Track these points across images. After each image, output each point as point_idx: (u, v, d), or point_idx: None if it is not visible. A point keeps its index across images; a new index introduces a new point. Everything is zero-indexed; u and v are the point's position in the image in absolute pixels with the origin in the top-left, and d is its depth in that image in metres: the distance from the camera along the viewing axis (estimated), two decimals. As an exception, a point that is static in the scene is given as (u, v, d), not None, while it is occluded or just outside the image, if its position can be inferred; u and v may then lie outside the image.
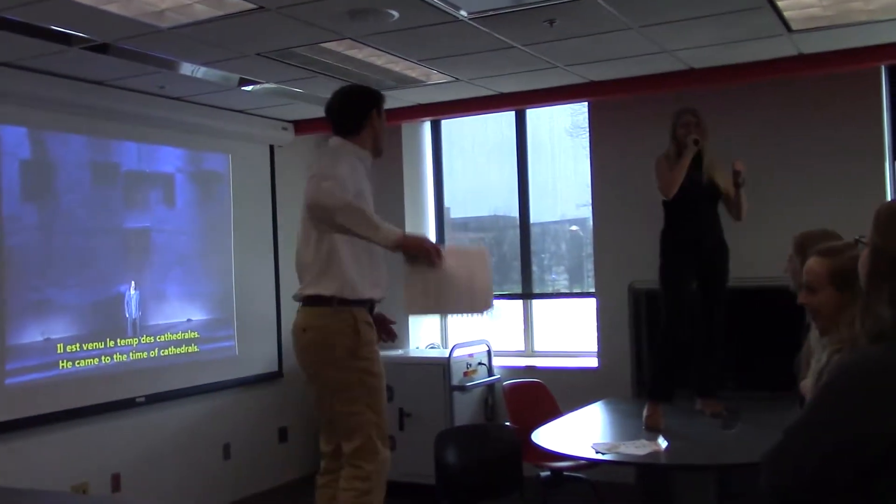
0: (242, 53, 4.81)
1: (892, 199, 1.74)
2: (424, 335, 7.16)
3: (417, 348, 7.01)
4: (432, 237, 7.15)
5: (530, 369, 6.49)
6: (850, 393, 1.69)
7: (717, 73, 5.62)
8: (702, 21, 4.59)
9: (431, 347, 7.04)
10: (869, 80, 5.63)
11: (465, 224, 7.61)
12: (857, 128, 5.64)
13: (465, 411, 6.26)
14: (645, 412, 4.65)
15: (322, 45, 4.71)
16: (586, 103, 6.43)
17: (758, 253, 5.48)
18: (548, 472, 5.18)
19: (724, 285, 5.01)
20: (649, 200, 5.17)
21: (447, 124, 7.27)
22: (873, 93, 5.65)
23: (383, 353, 3.96)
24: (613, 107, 6.21)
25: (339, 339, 3.71)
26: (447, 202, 7.34)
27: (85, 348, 5.35)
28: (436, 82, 5.73)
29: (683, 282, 4.92)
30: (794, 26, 4.73)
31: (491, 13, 4.28)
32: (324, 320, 3.73)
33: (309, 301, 3.79)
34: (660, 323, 5.05)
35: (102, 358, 5.45)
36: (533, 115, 6.91)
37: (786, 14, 4.51)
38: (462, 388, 6.24)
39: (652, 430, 4.44)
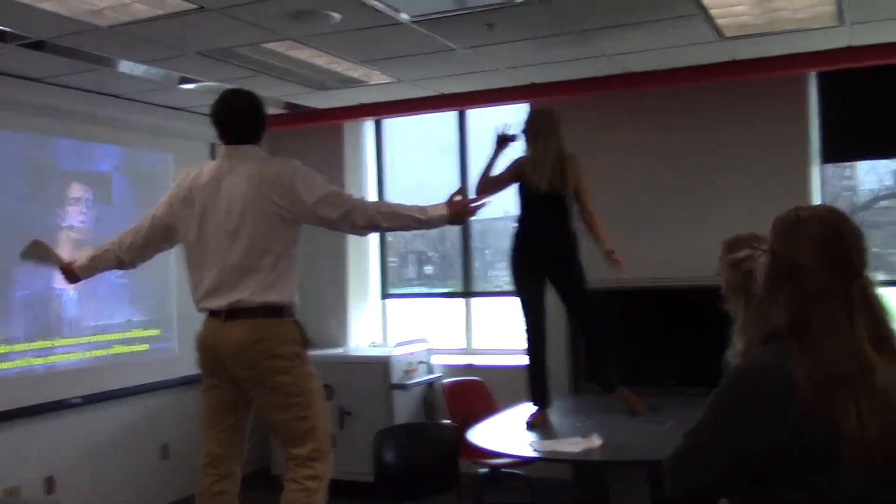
0: (182, 52, 4.79)
1: (789, 209, 1.81)
2: (366, 334, 7.19)
3: (358, 347, 7.03)
4: (376, 235, 7.20)
5: (470, 367, 6.56)
6: (745, 394, 1.77)
7: (654, 77, 5.76)
8: (638, 27, 4.70)
9: (373, 346, 7.07)
10: (797, 86, 5.82)
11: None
12: (786, 132, 5.82)
13: (405, 410, 6.30)
14: (529, 418, 4.74)
15: (264, 45, 4.71)
16: (527, 104, 6.52)
17: (693, 252, 5.62)
18: (485, 470, 5.25)
19: (581, 280, 4.98)
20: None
21: (389, 122, 7.29)
22: (801, 98, 5.83)
23: (326, 352, 3.98)
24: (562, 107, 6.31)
25: (291, 347, 3.68)
26: (389, 200, 7.36)
27: (19, 349, 5.26)
28: (378, 83, 5.76)
29: (531, 283, 4.93)
30: (726, 33, 4.87)
31: (432, 16, 4.32)
32: (277, 330, 3.66)
33: (263, 311, 3.65)
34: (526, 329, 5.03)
35: (37, 358, 5.36)
36: (474, 113, 6.97)
37: (718, 21, 4.64)
38: (402, 387, 6.28)
39: (535, 430, 4.56)
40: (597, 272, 5.06)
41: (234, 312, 3.64)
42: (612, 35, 4.84)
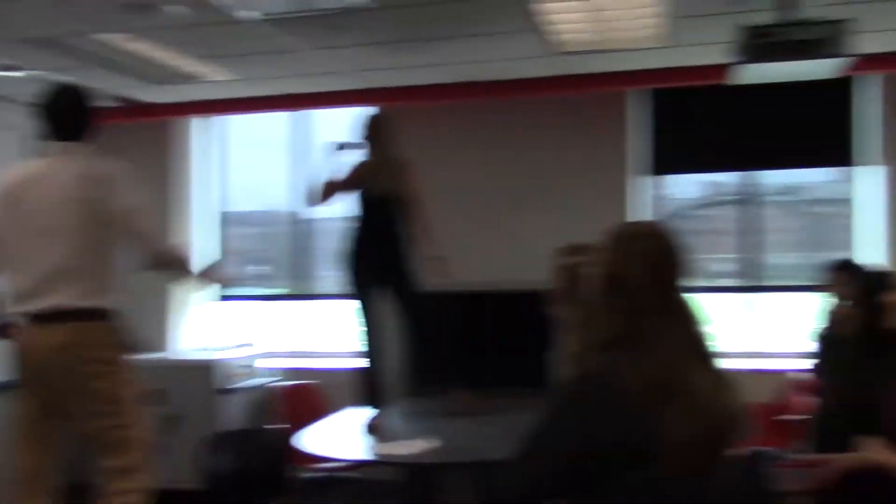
0: (5, 37, 4.49)
1: (620, 224, 1.92)
2: (194, 337, 6.96)
3: (186, 350, 6.79)
4: (206, 233, 7.01)
5: (303, 371, 6.48)
6: (578, 401, 1.86)
7: (494, 88, 5.90)
8: (481, 39, 4.80)
9: (201, 350, 6.85)
10: (619, 103, 6.13)
11: (241, 219, 7.47)
12: (609, 146, 6.13)
13: (234, 415, 6.14)
14: (366, 421, 4.78)
15: (94, 35, 4.48)
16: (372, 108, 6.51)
17: (514, 260, 5.84)
18: (318, 474, 5.20)
19: (413, 285, 5.04)
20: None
21: (226, 119, 7.10)
22: (622, 114, 6.16)
23: (151, 356, 3.83)
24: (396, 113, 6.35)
25: (110, 352, 3.52)
26: (223, 198, 7.17)
27: None
28: (218, 80, 5.60)
29: (366, 287, 4.95)
30: (562, 49, 5.05)
31: (278, 16, 4.25)
32: (95, 334, 3.51)
33: (81, 315, 3.48)
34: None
35: None
36: (319, 114, 6.89)
37: (554, 37, 4.81)
38: (231, 391, 6.12)
39: (374, 434, 4.57)
40: (428, 277, 5.13)
41: (51, 316, 3.44)
42: (455, 44, 4.92)
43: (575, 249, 3.52)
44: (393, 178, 4.89)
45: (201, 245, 7.04)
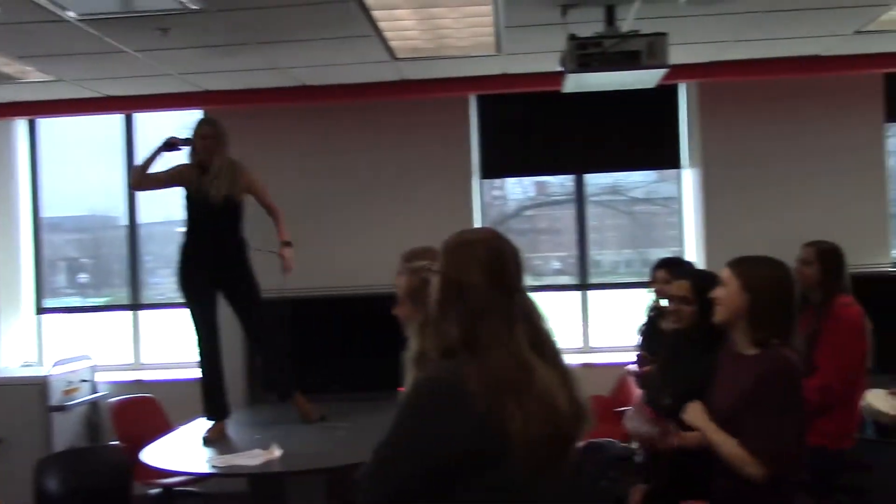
0: None
1: (456, 233, 1.99)
2: (17, 352, 6.57)
3: (8, 368, 6.40)
4: (26, 238, 6.64)
5: (139, 383, 6.25)
6: (425, 407, 1.90)
7: (328, 92, 5.89)
8: (315, 43, 4.79)
9: (26, 366, 6.48)
10: (462, 108, 6.27)
11: (59, 224, 7.11)
12: (453, 149, 6.25)
13: (66, 433, 5.85)
14: (206, 433, 4.69)
15: None
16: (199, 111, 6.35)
17: (362, 263, 5.87)
18: (159, 490, 5.04)
19: (254, 290, 5.02)
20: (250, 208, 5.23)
21: (46, 122, 6.74)
22: (464, 119, 6.29)
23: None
24: (227, 116, 6.22)
25: None
26: (42, 202, 6.80)
27: None
28: (35, 80, 5.32)
29: (202, 295, 4.88)
30: (398, 55, 5.11)
31: (101, 16, 4.09)
32: None
33: None
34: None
35: None
36: (143, 116, 6.66)
37: (391, 43, 4.86)
38: (62, 408, 5.82)
39: (214, 445, 4.52)
40: (268, 281, 5.09)
41: None
42: (288, 48, 4.88)
43: (418, 253, 3.58)
44: (227, 183, 4.81)
45: (24, 255, 6.66)
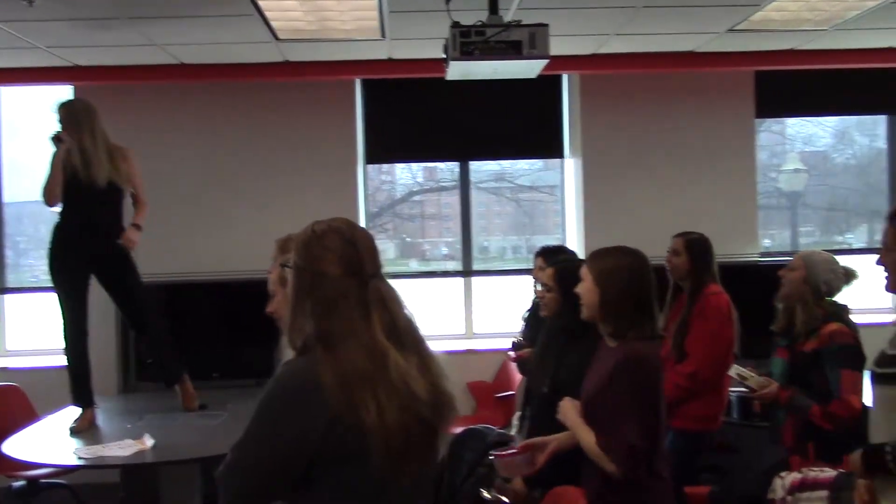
0: None
1: (312, 222, 1.96)
2: None
3: None
4: None
5: (3, 371, 5.96)
6: (280, 403, 1.88)
7: (207, 71, 5.73)
8: (195, 20, 4.64)
9: None
10: (347, 91, 6.20)
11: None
12: (338, 133, 6.18)
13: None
14: (74, 423, 4.52)
15: None
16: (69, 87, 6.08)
17: (242, 248, 5.75)
18: (22, 483, 4.83)
19: (134, 276, 4.85)
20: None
21: None
22: (350, 103, 6.22)
23: None
24: (101, 93, 5.98)
25: None
26: None
27: None
28: None
29: (73, 279, 4.68)
30: (280, 35, 5.01)
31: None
32: None
33: None
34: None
35: None
36: (10, 91, 6.34)
37: (273, 24, 4.76)
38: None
39: (81, 435, 4.36)
40: (147, 266, 4.93)
41: None
42: (165, 25, 4.72)
43: (293, 241, 3.52)
44: (108, 167, 4.61)
45: None
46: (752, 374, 3.64)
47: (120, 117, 5.02)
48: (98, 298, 4.84)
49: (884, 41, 5.64)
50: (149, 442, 4.04)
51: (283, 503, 1.92)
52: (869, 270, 2.85)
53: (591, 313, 2.84)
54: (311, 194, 6.05)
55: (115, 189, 4.66)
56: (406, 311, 1.99)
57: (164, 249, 5.71)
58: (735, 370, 3.70)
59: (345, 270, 1.93)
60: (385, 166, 6.92)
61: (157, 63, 5.58)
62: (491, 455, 2.94)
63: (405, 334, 1.96)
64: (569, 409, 2.84)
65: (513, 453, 2.91)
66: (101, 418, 4.73)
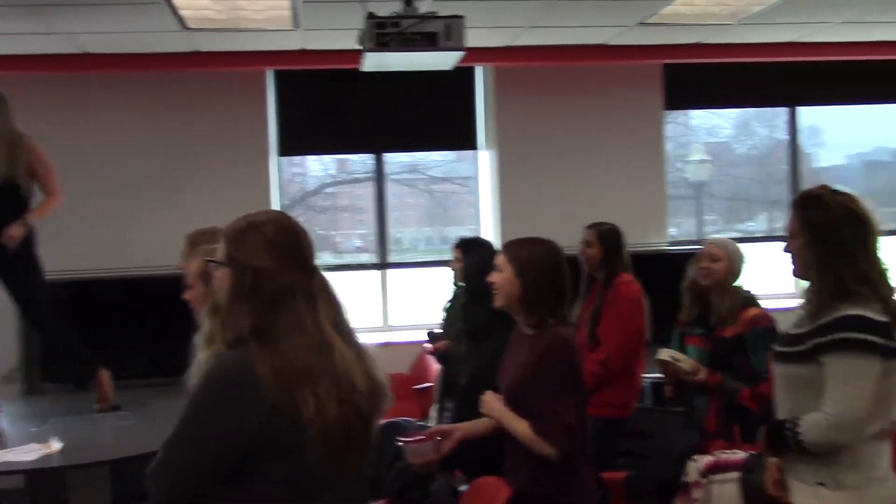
0: None
1: (238, 218, 1.93)
2: None
3: None
4: None
5: None
6: (214, 398, 1.84)
7: (114, 61, 5.57)
8: (100, 8, 4.50)
9: None
10: (258, 82, 6.09)
11: None
12: (249, 125, 6.07)
13: None
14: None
15: None
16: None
17: (150, 243, 5.60)
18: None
19: (37, 274, 4.65)
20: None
21: None
22: (261, 94, 6.12)
23: None
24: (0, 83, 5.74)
25: None
26: None
27: None
28: None
29: None
30: (190, 25, 4.89)
31: None
32: None
33: None
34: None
35: None
36: None
37: (182, 12, 4.64)
38: None
39: None
40: (51, 262, 4.75)
41: None
42: (69, 13, 4.56)
43: (206, 234, 3.44)
44: (8, 159, 4.41)
45: None
46: (685, 357, 3.71)
47: (23, 110, 4.79)
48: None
49: (785, 36, 5.83)
50: (56, 445, 3.89)
51: (214, 500, 1.88)
52: (769, 257, 2.96)
53: (509, 303, 2.86)
54: (222, 187, 5.93)
55: (10, 185, 4.45)
56: (343, 304, 1.98)
57: (67, 245, 5.50)
58: (666, 353, 3.76)
59: (291, 263, 1.90)
60: (297, 158, 6.83)
61: (61, 52, 5.39)
62: (398, 441, 2.94)
63: (343, 325, 1.94)
64: (494, 402, 2.86)
65: (420, 440, 2.92)
66: (3, 422, 4.54)
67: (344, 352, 1.89)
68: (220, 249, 1.95)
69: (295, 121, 6.30)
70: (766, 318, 3.61)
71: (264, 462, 1.82)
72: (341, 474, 1.88)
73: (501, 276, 2.87)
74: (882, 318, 2.43)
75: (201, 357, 2.63)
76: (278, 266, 1.88)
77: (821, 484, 2.46)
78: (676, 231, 7.03)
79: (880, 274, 2.51)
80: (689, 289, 3.83)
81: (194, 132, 6.01)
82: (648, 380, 4.73)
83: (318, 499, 1.87)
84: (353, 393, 1.88)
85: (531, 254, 2.86)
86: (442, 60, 4.34)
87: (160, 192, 5.94)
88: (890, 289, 2.51)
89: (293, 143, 6.37)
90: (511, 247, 2.92)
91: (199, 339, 2.73)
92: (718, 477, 3.21)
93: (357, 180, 7.12)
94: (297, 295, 1.88)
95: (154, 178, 5.96)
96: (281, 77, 6.20)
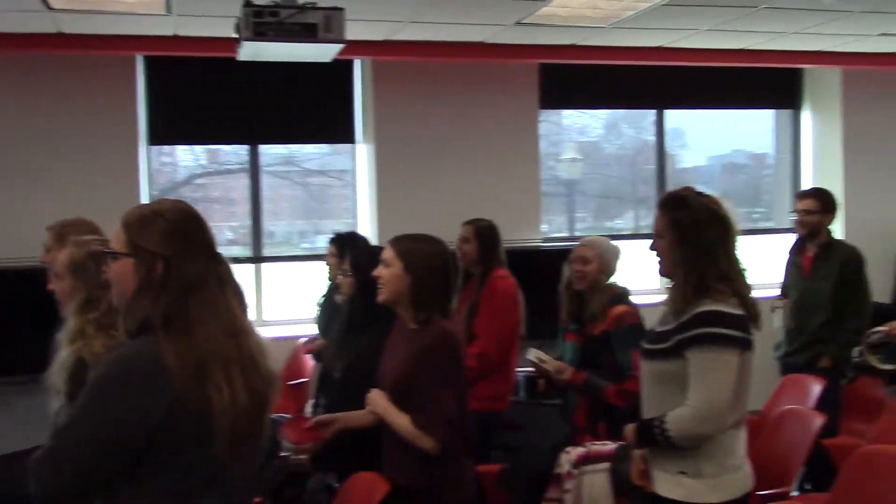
0: None
1: (139, 206, 1.88)
2: None
3: None
4: None
5: None
6: (116, 387, 1.79)
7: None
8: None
9: None
10: (127, 68, 5.86)
11: None
12: (117, 113, 5.83)
13: None
14: None
15: None
16: None
17: (12, 237, 5.31)
18: None
19: None
20: None
21: None
22: (131, 81, 5.89)
23: None
24: None
25: None
26: None
27: None
28: None
29: None
30: (53, 5, 4.66)
31: None
32: None
33: None
34: None
35: None
36: None
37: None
38: None
39: None
40: None
41: None
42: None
43: (71, 225, 3.30)
44: None
45: None
46: (549, 359, 3.80)
47: None
48: None
49: (655, 41, 6.05)
50: None
51: (107, 492, 1.81)
52: (637, 254, 3.06)
53: (396, 298, 2.86)
54: (88, 177, 5.68)
55: None
56: (243, 295, 1.97)
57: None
58: (534, 353, 3.84)
59: (198, 250, 1.88)
60: (167, 147, 6.62)
61: None
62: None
63: (244, 318, 1.94)
64: (379, 398, 2.85)
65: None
66: None
67: (254, 338, 1.90)
68: (117, 239, 1.90)
69: (166, 109, 6.08)
70: (631, 316, 3.72)
71: (163, 454, 1.79)
72: (241, 462, 1.87)
73: (389, 271, 2.87)
74: (738, 312, 2.57)
75: (64, 354, 2.52)
76: (187, 253, 1.86)
77: (682, 473, 2.58)
78: (548, 227, 7.18)
79: (738, 272, 2.65)
80: (565, 288, 3.93)
81: (58, 118, 5.71)
82: (522, 373, 4.83)
83: (214, 489, 1.85)
84: (259, 380, 1.88)
85: (421, 250, 2.88)
86: (321, 52, 4.29)
87: (20, 181, 5.62)
88: (747, 285, 2.65)
89: (164, 132, 6.15)
90: (400, 242, 2.92)
91: (63, 334, 2.62)
92: (589, 468, 3.31)
93: (230, 171, 6.96)
94: (209, 282, 1.86)
95: (14, 167, 5.64)
96: (152, 63, 5.98)
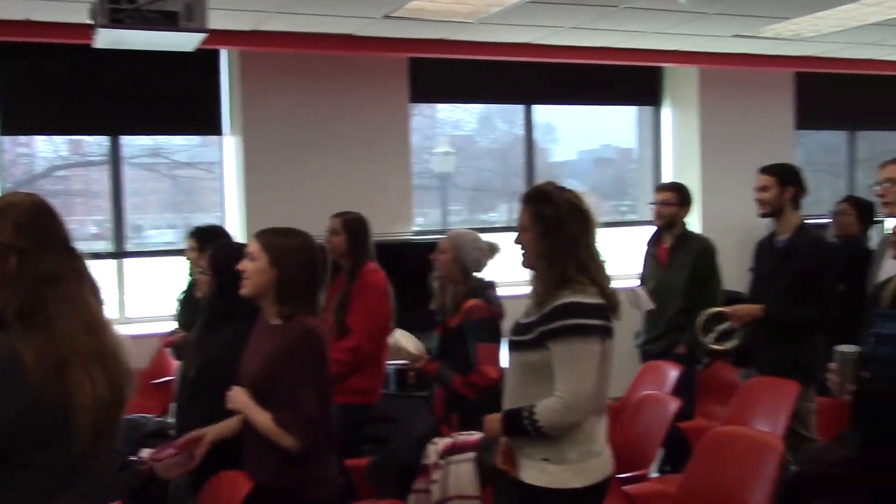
0: None
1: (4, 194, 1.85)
2: None
3: None
4: None
5: None
6: None
7: None
8: None
9: None
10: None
11: None
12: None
13: None
14: None
15: None
16: None
17: None
18: None
19: None
20: None
21: None
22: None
23: None
24: None
25: None
26: None
27: None
28: None
29: None
30: None
31: None
32: None
33: None
34: None
35: None
36: None
37: None
38: None
39: None
40: None
41: None
42: None
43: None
44: None
45: None
46: (406, 347, 3.82)
47: None
48: None
49: (522, 37, 6.16)
50: None
51: None
52: (509, 246, 3.11)
53: (260, 292, 2.82)
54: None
55: None
56: (101, 290, 1.94)
57: None
58: (392, 339, 3.86)
59: (53, 244, 1.83)
60: (23, 138, 6.31)
61: None
62: (145, 458, 2.84)
63: (102, 313, 1.90)
64: (240, 395, 2.80)
65: (171, 454, 2.82)
66: None
67: (114, 332, 1.86)
68: None
69: (21, 97, 5.79)
70: (480, 310, 3.76)
71: (21, 452, 1.73)
72: (98, 458, 1.82)
73: (254, 265, 2.81)
74: (597, 301, 2.65)
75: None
76: (43, 247, 1.81)
77: (546, 460, 2.64)
78: (423, 220, 7.22)
79: (598, 264, 2.73)
80: (434, 279, 3.97)
81: None
82: (393, 366, 4.85)
83: (73, 488, 1.80)
84: (118, 375, 1.84)
85: (287, 244, 2.83)
86: (182, 41, 4.17)
87: None
88: (606, 276, 2.74)
89: (18, 122, 5.85)
90: (266, 235, 2.87)
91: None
92: (455, 458, 3.35)
93: (92, 163, 6.69)
94: (66, 276, 1.81)
95: None
96: (4, 49, 5.67)
